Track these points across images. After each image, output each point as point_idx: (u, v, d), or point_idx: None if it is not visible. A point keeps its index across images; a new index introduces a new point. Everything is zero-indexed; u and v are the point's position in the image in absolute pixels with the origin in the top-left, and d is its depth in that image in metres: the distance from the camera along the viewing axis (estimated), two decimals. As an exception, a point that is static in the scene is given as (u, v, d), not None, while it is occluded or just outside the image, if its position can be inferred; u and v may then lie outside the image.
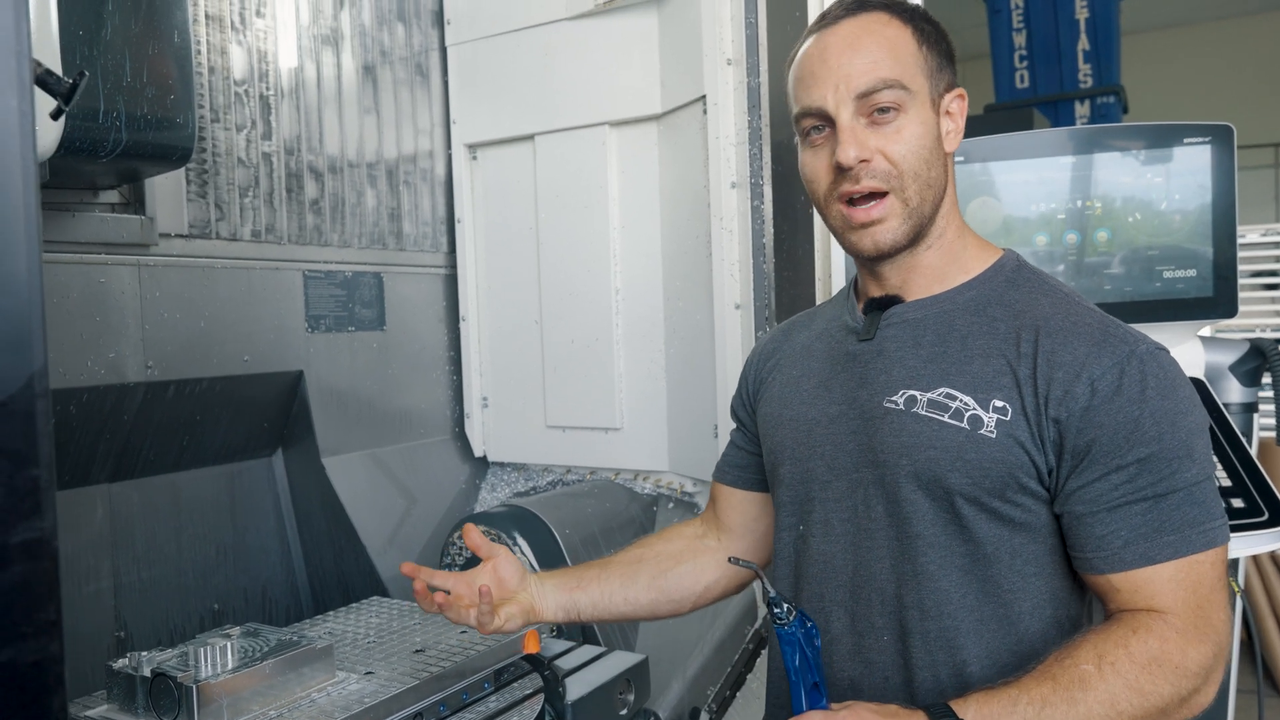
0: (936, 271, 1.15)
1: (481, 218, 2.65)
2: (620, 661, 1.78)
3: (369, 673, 1.54)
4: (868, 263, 1.17)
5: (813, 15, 1.94)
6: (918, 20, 1.12)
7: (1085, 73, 7.47)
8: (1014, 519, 1.07)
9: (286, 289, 2.23)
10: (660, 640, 2.08)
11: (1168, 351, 1.07)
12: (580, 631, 2.01)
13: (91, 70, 1.50)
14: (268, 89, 2.20)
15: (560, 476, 2.59)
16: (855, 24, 1.10)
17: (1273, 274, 4.54)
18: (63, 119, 1.42)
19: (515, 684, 1.66)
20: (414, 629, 1.76)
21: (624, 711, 1.74)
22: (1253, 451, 1.90)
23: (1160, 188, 1.97)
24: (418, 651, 1.63)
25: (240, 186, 2.14)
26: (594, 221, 2.43)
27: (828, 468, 1.17)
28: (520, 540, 2.01)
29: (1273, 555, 3.76)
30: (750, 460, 1.37)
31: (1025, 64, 7.65)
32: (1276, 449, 3.43)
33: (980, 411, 1.06)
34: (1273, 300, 4.57)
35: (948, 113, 1.13)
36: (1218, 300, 1.93)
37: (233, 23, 2.11)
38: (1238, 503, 1.69)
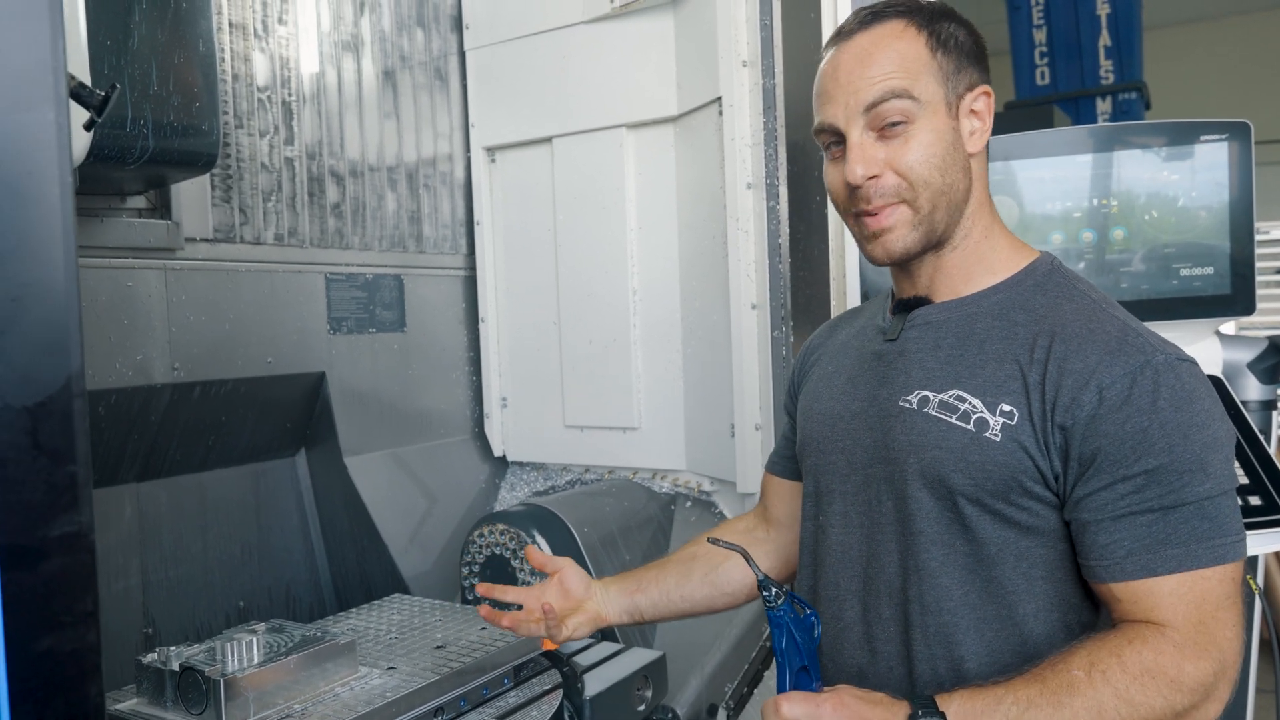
0: (962, 273, 1.16)
1: (500, 220, 2.68)
2: (638, 658, 1.80)
3: (391, 668, 1.57)
4: (893, 265, 1.19)
5: (827, 17, 1.95)
6: (935, 23, 1.12)
7: (1107, 69, 7.41)
8: (1019, 521, 1.07)
9: (309, 291, 2.27)
10: (678, 637, 2.10)
11: (1193, 363, 1.05)
12: (599, 630, 2.03)
13: (119, 79, 1.53)
14: (290, 95, 2.23)
15: (579, 476, 2.62)
16: (867, 37, 1.12)
17: (1296, 271, 4.50)
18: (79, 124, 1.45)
19: (534, 680, 1.68)
20: (435, 625, 1.79)
21: (642, 707, 1.76)
22: (1271, 449, 1.89)
23: (1178, 185, 1.97)
24: (439, 647, 1.66)
25: (263, 191, 2.18)
26: (611, 223, 2.46)
27: (847, 462, 1.20)
28: (539, 538, 2.03)
29: (1296, 554, 3.73)
30: (796, 452, 1.39)
31: (1046, 60, 7.60)
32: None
33: (987, 414, 1.07)
34: (1296, 297, 4.53)
35: (973, 111, 1.13)
36: (1235, 298, 1.93)
37: (255, 30, 2.15)
38: (1255, 500, 1.69)
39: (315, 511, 2.38)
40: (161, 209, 1.98)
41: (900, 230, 1.12)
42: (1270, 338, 2.02)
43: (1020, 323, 1.10)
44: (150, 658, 1.45)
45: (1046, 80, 7.53)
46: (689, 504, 2.41)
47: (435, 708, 1.51)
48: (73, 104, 0.88)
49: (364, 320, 2.40)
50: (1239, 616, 1.02)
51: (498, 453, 2.70)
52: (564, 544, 2.06)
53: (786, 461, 1.42)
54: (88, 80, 1.40)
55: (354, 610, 1.93)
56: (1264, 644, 2.05)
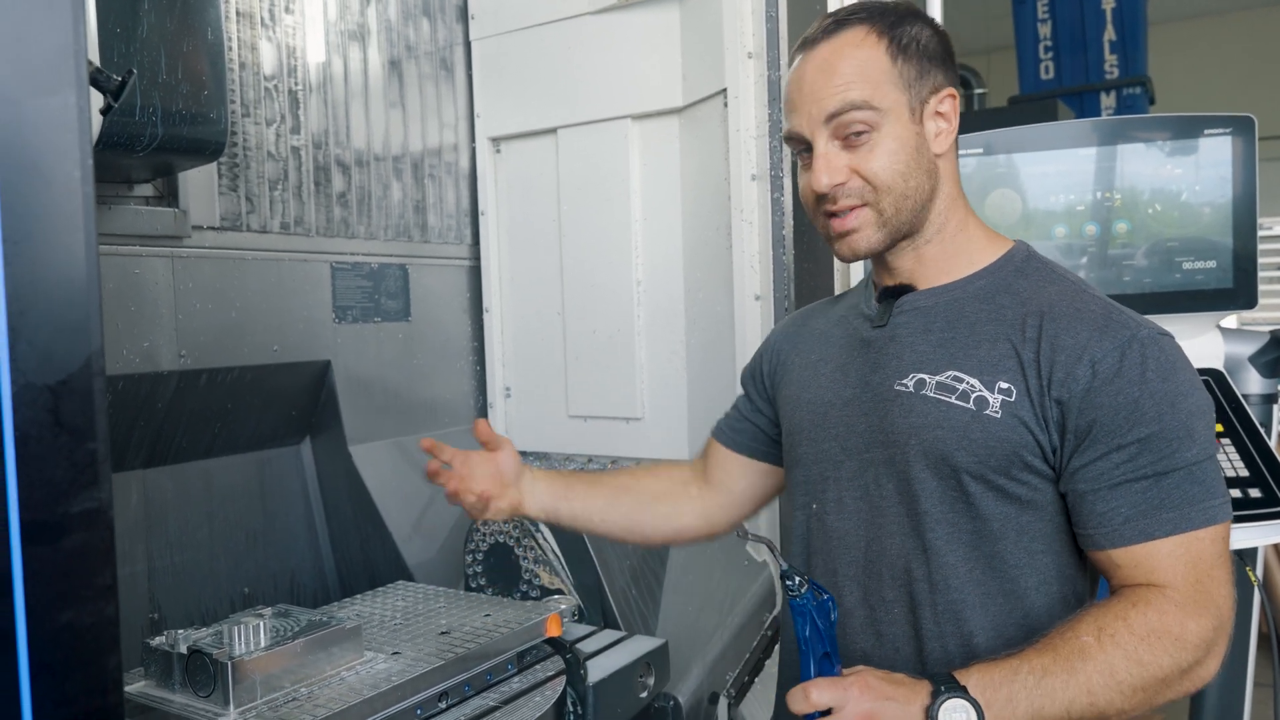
0: (941, 263, 1.20)
1: (505, 210, 2.69)
2: (641, 646, 1.81)
3: (396, 653, 1.58)
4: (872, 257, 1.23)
5: (832, 9, 1.95)
6: (897, 29, 1.15)
7: (1111, 63, 7.40)
8: (1020, 496, 1.11)
9: (314, 280, 2.28)
10: (680, 626, 2.11)
11: (1170, 336, 1.10)
12: (602, 616, 2.04)
13: (128, 66, 1.54)
14: (296, 84, 2.24)
15: (582, 465, 2.63)
16: (829, 47, 1.15)
17: (1299, 266, 4.51)
18: (98, 113, 1.46)
19: (538, 666, 1.69)
20: (439, 612, 1.80)
21: (644, 694, 1.77)
22: (1272, 443, 1.90)
23: (1181, 179, 1.97)
24: (443, 633, 1.67)
25: (270, 180, 2.19)
26: (615, 214, 2.46)
27: (841, 448, 1.22)
28: (542, 526, 2.05)
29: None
30: (745, 427, 1.45)
31: (1050, 55, 7.59)
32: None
33: (986, 393, 1.11)
34: (1299, 293, 4.54)
35: (938, 113, 1.17)
36: (1238, 292, 1.94)
37: (262, 19, 2.16)
38: (1255, 493, 1.70)
39: (320, 499, 2.39)
40: (169, 197, 1.99)
41: (865, 231, 1.17)
42: (1272, 332, 2.03)
43: (1007, 305, 1.15)
44: (158, 641, 1.46)
45: (1051, 74, 7.52)
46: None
47: (440, 692, 1.52)
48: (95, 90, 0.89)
49: (369, 309, 2.41)
50: (1230, 575, 1.07)
51: (501, 442, 2.71)
52: (568, 533, 2.07)
53: (732, 434, 1.47)
54: (96, 65, 1.41)
55: (359, 596, 1.95)
56: (1262, 638, 2.06)
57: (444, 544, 2.44)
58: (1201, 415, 1.07)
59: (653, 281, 2.45)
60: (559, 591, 2.01)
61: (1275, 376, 1.99)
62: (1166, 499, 1.04)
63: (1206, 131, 1.94)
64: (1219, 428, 1.83)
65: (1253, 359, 1.99)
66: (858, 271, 2.03)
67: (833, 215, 1.17)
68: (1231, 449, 1.79)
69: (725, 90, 2.16)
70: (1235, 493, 1.70)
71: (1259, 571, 1.99)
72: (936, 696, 0.98)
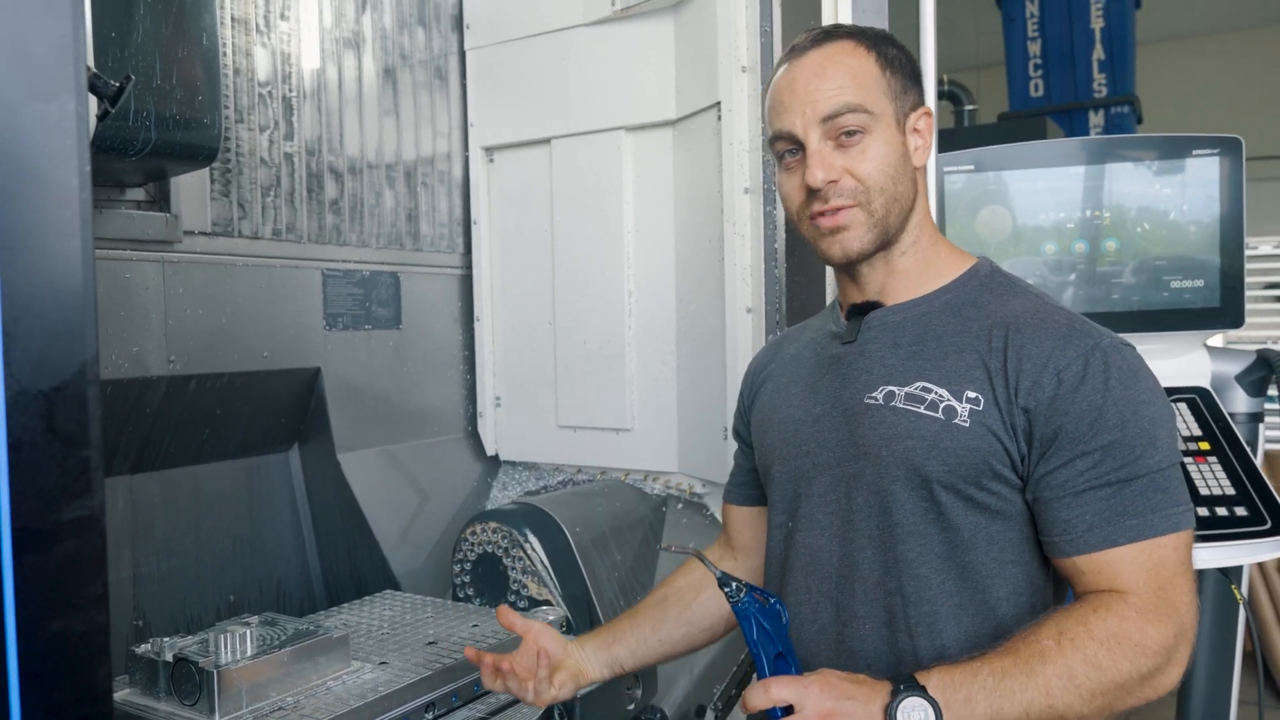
0: (913, 277, 1.23)
1: (497, 220, 2.69)
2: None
3: (383, 663, 1.57)
4: (846, 270, 1.25)
5: (826, 23, 1.96)
6: (881, 46, 1.20)
7: (1100, 82, 7.48)
8: (990, 506, 1.12)
9: (305, 287, 2.27)
10: (668, 638, 2.11)
11: (1132, 347, 1.13)
12: (590, 627, 2.04)
13: (123, 72, 1.54)
14: (290, 90, 2.24)
15: (571, 476, 2.63)
16: (821, 54, 1.19)
17: (1284, 286, 4.54)
18: (94, 118, 1.46)
19: (526, 677, 1.68)
20: (427, 621, 1.80)
21: (631, 706, 1.77)
22: (1258, 461, 1.92)
23: (1169, 198, 1.99)
24: (431, 643, 1.67)
25: (262, 186, 2.18)
26: (608, 225, 2.47)
27: (813, 464, 1.23)
28: (531, 537, 2.04)
29: (1278, 563, 3.76)
30: (749, 479, 1.44)
31: (1040, 73, 7.67)
32: (1284, 460, 3.44)
33: (954, 402, 1.12)
34: (1284, 312, 4.58)
35: (915, 130, 1.21)
36: (1225, 311, 1.96)
37: (257, 25, 2.16)
38: (1241, 511, 1.71)
39: (308, 507, 2.38)
40: (160, 201, 1.99)
41: (856, 230, 1.18)
42: (1259, 351, 2.04)
43: (972, 318, 1.17)
44: (143, 648, 1.45)
45: (1040, 92, 7.59)
46: (680, 506, 2.42)
47: (427, 703, 1.52)
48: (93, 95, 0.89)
49: (360, 317, 2.41)
50: (1193, 583, 1.08)
51: (490, 452, 2.71)
52: (556, 543, 2.07)
53: (742, 489, 1.45)
54: (90, 69, 1.41)
55: (346, 605, 1.94)
56: (1247, 655, 2.07)
57: (431, 554, 2.43)
58: (1164, 423, 1.09)
59: (644, 293, 2.46)
60: (547, 602, 2.00)
61: (1261, 395, 2.01)
62: (1129, 506, 1.06)
63: (1195, 152, 1.96)
64: (1205, 446, 1.84)
65: (1239, 378, 2.01)
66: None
67: (822, 215, 1.19)
68: (1218, 466, 1.80)
69: (719, 103, 2.17)
70: (1221, 511, 1.71)
71: (1244, 587, 2.00)
72: (896, 695, 0.99)
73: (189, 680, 1.37)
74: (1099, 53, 7.51)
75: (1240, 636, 2.04)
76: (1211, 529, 1.68)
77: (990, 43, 7.91)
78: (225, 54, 2.08)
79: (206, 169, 2.00)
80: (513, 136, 2.61)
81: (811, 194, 1.18)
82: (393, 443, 2.49)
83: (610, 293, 2.48)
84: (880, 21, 1.93)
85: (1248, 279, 1.98)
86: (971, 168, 2.04)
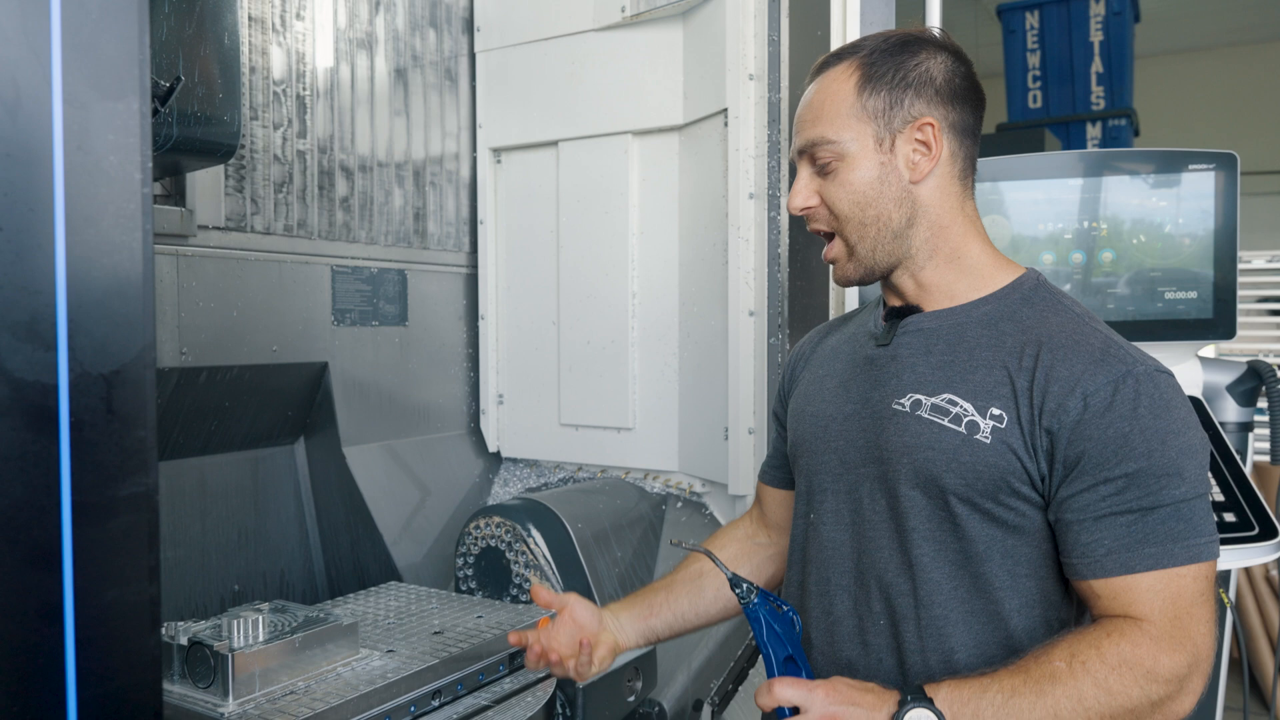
0: (945, 288, 1.22)
1: (504, 220, 2.73)
2: (629, 651, 1.84)
3: (390, 651, 1.61)
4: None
5: (835, 33, 2.01)
6: (881, 64, 1.19)
7: (1098, 95, 7.53)
8: (1007, 521, 1.13)
9: (315, 283, 2.31)
10: (666, 634, 2.15)
11: (1170, 375, 1.11)
12: (590, 622, 2.07)
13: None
14: (304, 89, 2.27)
15: (572, 474, 2.66)
16: (816, 83, 1.24)
17: (1278, 299, 4.59)
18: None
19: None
20: (433, 612, 1.83)
21: (632, 698, 1.81)
22: (1248, 469, 1.96)
23: (1165, 211, 2.03)
24: (436, 633, 1.70)
25: (275, 183, 2.22)
26: (614, 227, 2.51)
27: (840, 461, 1.25)
28: (534, 532, 2.08)
29: (1266, 571, 3.81)
30: (784, 462, 1.45)
31: (1039, 84, 7.72)
32: (1273, 470, 3.48)
33: (978, 418, 1.13)
34: (1277, 325, 4.63)
35: (918, 141, 1.18)
36: (1217, 322, 2.00)
37: (274, 25, 2.19)
38: (1230, 517, 1.75)
39: (312, 499, 2.41)
40: (176, 196, 2.02)
41: (841, 262, 1.24)
42: (1250, 362, 2.09)
43: (1008, 332, 1.16)
44: (158, 632, 1.48)
45: (1039, 104, 7.64)
46: (679, 504, 2.45)
47: (433, 690, 1.55)
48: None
49: (367, 313, 2.44)
50: (1212, 614, 1.07)
51: (492, 448, 2.74)
52: (558, 538, 2.11)
53: (778, 471, 1.47)
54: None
55: (352, 595, 1.97)
56: (1233, 662, 2.11)
57: (432, 548, 2.47)
58: (1193, 454, 1.08)
59: (648, 294, 2.50)
60: (549, 596, 2.03)
61: (1251, 405, 2.05)
62: (1150, 534, 1.06)
63: (1191, 166, 2.00)
64: (1196, 453, 1.88)
65: (1230, 388, 2.05)
66: (851, 291, 2.08)
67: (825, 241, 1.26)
68: (1210, 479, 1.84)
69: (726, 110, 2.21)
70: (1210, 517, 1.76)
71: (1232, 593, 2.04)
72: (903, 705, 1.01)
73: (203, 664, 1.40)
74: (1098, 66, 7.56)
75: (1227, 642, 2.08)
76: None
77: (990, 54, 7.96)
78: (242, 53, 2.11)
79: (221, 165, 2.04)
80: (521, 138, 2.65)
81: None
82: (397, 438, 2.53)
83: (614, 294, 2.52)
84: (886, 29, 1.97)
85: (1241, 292, 2.02)
86: (972, 178, 2.07)
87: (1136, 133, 7.44)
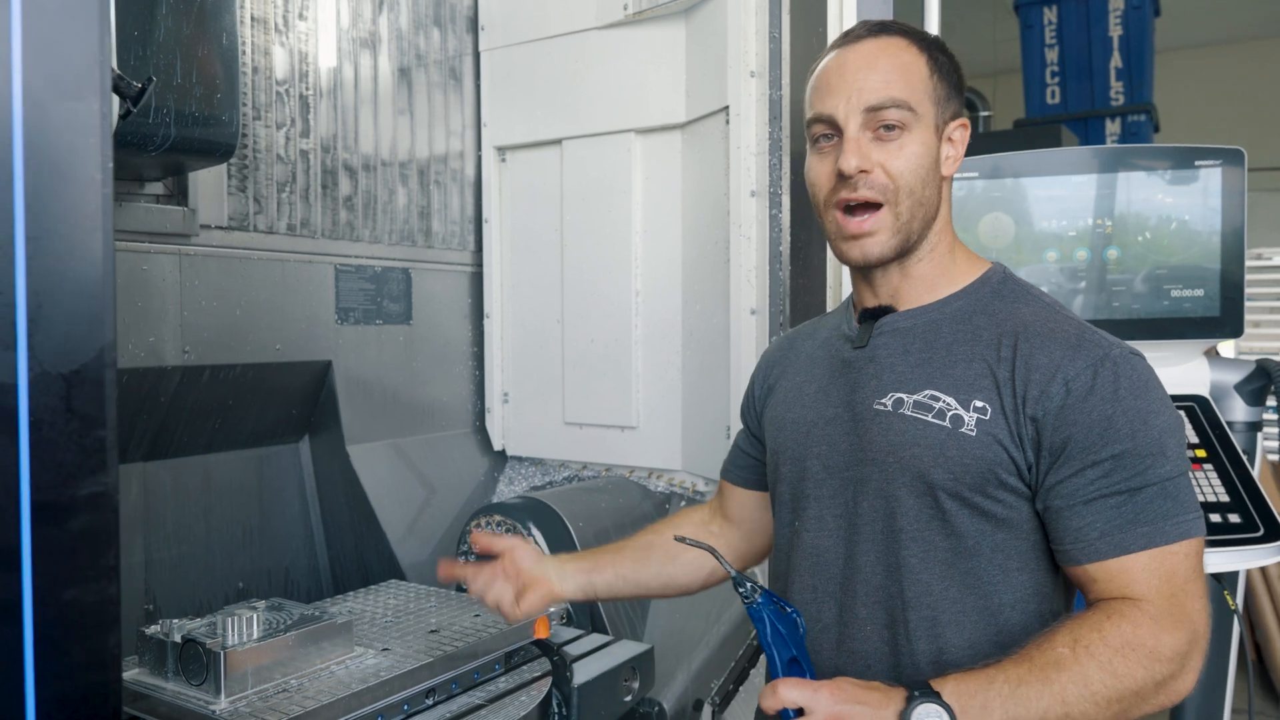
0: (928, 283, 1.23)
1: (508, 218, 2.73)
2: (626, 650, 1.84)
3: (385, 649, 1.61)
4: (860, 272, 1.26)
5: (834, 31, 1.99)
6: (933, 50, 1.20)
7: (1117, 90, 7.45)
8: (996, 514, 1.13)
9: (318, 282, 2.32)
10: (667, 632, 2.14)
11: (1142, 356, 1.13)
12: (590, 620, 2.07)
13: (144, 69, 1.58)
14: (307, 89, 2.28)
15: (576, 472, 2.66)
16: (875, 44, 1.19)
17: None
18: (115, 113, 1.50)
19: (525, 667, 1.72)
20: (430, 611, 1.83)
21: (628, 698, 1.80)
22: (1256, 471, 1.93)
23: (1171, 208, 2.01)
24: (432, 632, 1.70)
25: (278, 182, 2.23)
26: (617, 225, 2.50)
27: (823, 466, 1.24)
28: (535, 530, 2.08)
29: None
30: (751, 462, 1.46)
31: (1057, 80, 7.64)
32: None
33: (961, 411, 1.13)
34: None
35: (950, 139, 1.21)
36: (1224, 320, 1.97)
37: (276, 24, 2.20)
38: (1235, 518, 1.73)
39: (316, 498, 2.42)
40: (178, 196, 2.03)
41: (881, 235, 1.18)
42: (1259, 360, 2.06)
43: (983, 326, 1.17)
44: (153, 629, 1.49)
45: (1057, 100, 7.57)
46: (683, 503, 2.45)
47: (427, 689, 1.55)
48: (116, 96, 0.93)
49: (371, 312, 2.45)
50: (1205, 589, 1.08)
51: (497, 447, 2.75)
52: (559, 537, 2.11)
53: (740, 471, 1.48)
54: (113, 67, 1.45)
55: (351, 594, 1.98)
56: (1241, 663, 2.08)
57: (437, 547, 2.47)
58: (1173, 432, 1.10)
59: (651, 293, 2.49)
60: (548, 595, 2.03)
61: (1260, 404, 2.03)
62: (1140, 514, 1.06)
63: (1198, 162, 1.97)
64: (1201, 453, 1.86)
65: (1238, 387, 2.03)
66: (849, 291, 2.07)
67: (849, 213, 1.18)
68: (1213, 474, 1.82)
69: (727, 107, 2.20)
70: (1215, 517, 1.73)
71: (1239, 597, 2.02)
72: (910, 701, 1.00)
73: (196, 661, 1.41)
74: (1117, 61, 7.48)
75: (1234, 645, 2.05)
76: (1207, 535, 1.70)
77: (1008, 49, 7.89)
78: (244, 52, 2.12)
79: (224, 164, 2.05)
80: (525, 137, 2.65)
81: (841, 180, 1.17)
82: (401, 436, 2.53)
83: (618, 292, 2.51)
84: (886, 29, 1.96)
85: (1260, 290, 2.00)
86: (975, 174, 2.06)
87: (1156, 128, 7.35)
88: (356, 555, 2.40)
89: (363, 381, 2.43)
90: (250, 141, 2.16)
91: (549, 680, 1.69)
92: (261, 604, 1.60)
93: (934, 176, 1.19)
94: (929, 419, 1.15)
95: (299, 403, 2.35)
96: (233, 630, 1.46)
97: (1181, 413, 1.90)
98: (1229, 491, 1.77)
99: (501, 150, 2.72)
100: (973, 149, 1.40)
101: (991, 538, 1.13)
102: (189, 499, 2.16)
